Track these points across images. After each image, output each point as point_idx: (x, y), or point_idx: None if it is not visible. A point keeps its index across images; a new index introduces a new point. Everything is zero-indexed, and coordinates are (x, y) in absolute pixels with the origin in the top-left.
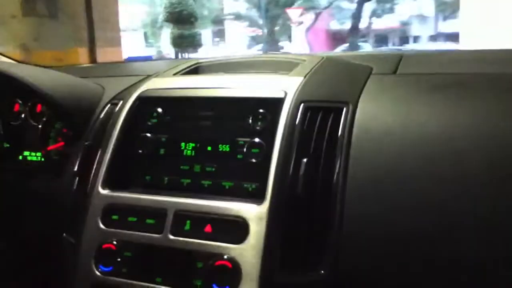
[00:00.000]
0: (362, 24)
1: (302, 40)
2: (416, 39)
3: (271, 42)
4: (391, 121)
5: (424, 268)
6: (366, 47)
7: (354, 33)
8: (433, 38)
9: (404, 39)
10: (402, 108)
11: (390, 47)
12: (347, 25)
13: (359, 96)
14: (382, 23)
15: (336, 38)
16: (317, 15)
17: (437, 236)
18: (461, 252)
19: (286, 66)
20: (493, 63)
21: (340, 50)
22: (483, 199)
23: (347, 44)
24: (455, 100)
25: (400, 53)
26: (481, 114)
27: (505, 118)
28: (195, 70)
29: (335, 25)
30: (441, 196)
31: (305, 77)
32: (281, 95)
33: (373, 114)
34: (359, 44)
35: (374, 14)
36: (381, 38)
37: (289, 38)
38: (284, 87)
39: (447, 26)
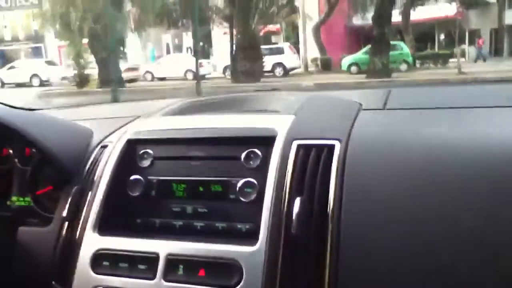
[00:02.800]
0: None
1: (311, 42)
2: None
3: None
4: (382, 156)
5: None
6: (403, 48)
7: (382, 28)
8: None
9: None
10: (393, 142)
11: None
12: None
13: (350, 132)
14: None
15: (358, 36)
16: (332, 7)
17: (438, 270)
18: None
19: (275, 104)
20: (480, 97)
21: (363, 51)
22: (478, 225)
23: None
24: (445, 133)
25: (388, 89)
26: (472, 143)
27: (496, 144)
28: (185, 110)
29: (359, 20)
30: (437, 226)
31: (295, 114)
32: (273, 134)
33: (364, 149)
34: (395, 44)
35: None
36: (423, 35)
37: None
38: (276, 125)
39: None
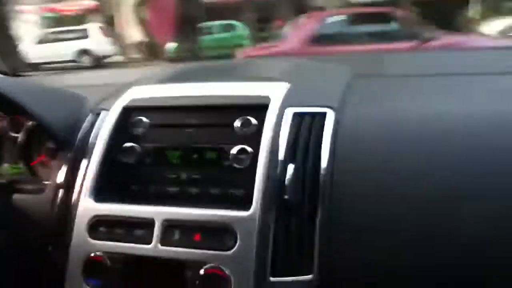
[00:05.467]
0: None
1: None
2: None
3: None
4: (375, 123)
5: (414, 267)
6: (238, 29)
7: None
8: None
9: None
10: (386, 109)
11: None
12: None
13: (342, 99)
14: None
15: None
16: None
17: (426, 233)
18: (453, 251)
19: (269, 70)
20: (481, 63)
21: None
22: (470, 188)
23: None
24: (439, 101)
25: (382, 54)
26: (467, 111)
27: (494, 114)
28: (180, 77)
29: None
30: (427, 192)
31: (289, 82)
32: (267, 101)
33: (357, 116)
34: (228, 24)
35: None
36: (267, 14)
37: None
38: (269, 92)
39: None
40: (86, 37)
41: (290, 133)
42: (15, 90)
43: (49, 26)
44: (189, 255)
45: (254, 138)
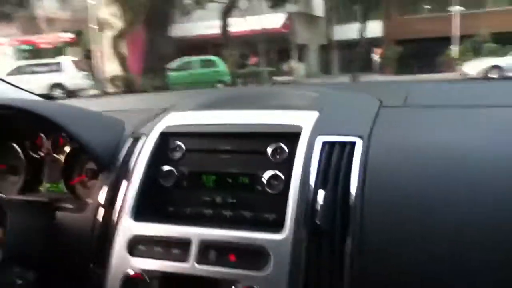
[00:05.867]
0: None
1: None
2: None
3: None
4: (402, 153)
5: None
6: (219, 65)
7: (153, 33)
8: None
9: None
10: (412, 139)
11: None
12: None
13: (371, 130)
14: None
15: (179, 49)
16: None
17: (454, 265)
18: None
19: (299, 100)
20: (501, 94)
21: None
22: (497, 224)
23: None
24: (465, 132)
25: (408, 83)
26: (493, 143)
27: None
28: (214, 103)
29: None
30: (456, 222)
31: (319, 111)
32: (298, 130)
33: (385, 146)
34: (208, 59)
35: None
36: (249, 50)
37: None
38: (301, 121)
39: None
40: (59, 70)
41: (321, 160)
42: (57, 112)
43: (24, 58)
44: (224, 274)
45: (286, 164)
